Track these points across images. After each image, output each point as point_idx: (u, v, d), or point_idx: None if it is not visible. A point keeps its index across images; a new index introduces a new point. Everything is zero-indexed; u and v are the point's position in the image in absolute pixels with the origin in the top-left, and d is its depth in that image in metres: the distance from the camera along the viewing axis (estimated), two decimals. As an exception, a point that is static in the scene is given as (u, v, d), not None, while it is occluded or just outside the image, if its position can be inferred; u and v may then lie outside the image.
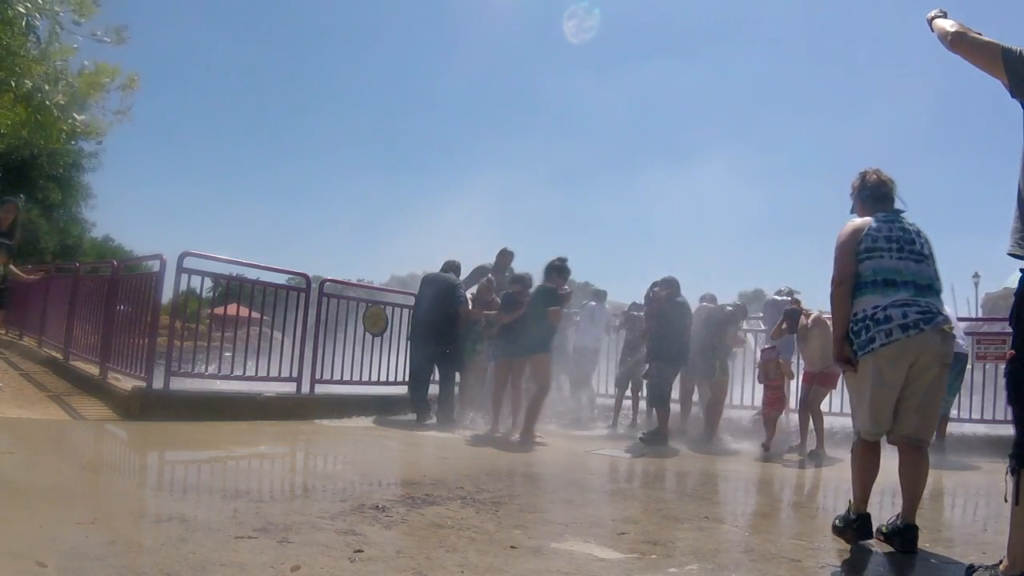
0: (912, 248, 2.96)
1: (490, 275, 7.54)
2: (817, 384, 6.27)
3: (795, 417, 6.74)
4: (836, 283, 3.00)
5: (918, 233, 3.02)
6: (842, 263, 2.99)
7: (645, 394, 7.43)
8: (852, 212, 3.22)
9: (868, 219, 3.04)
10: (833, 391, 6.41)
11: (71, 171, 25.98)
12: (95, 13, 6.81)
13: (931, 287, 2.93)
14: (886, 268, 2.89)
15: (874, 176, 3.17)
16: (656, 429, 6.45)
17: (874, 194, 3.14)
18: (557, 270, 6.46)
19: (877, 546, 2.92)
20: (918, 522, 2.86)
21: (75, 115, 7.24)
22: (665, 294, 6.81)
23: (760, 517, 3.72)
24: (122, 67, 7.38)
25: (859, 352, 2.85)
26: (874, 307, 2.84)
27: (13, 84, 6.70)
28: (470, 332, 7.25)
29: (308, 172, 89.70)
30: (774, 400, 6.52)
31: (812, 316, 6.34)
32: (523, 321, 6.32)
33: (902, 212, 3.11)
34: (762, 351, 6.93)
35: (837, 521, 3.03)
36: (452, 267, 7.46)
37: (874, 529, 2.97)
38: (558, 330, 6.67)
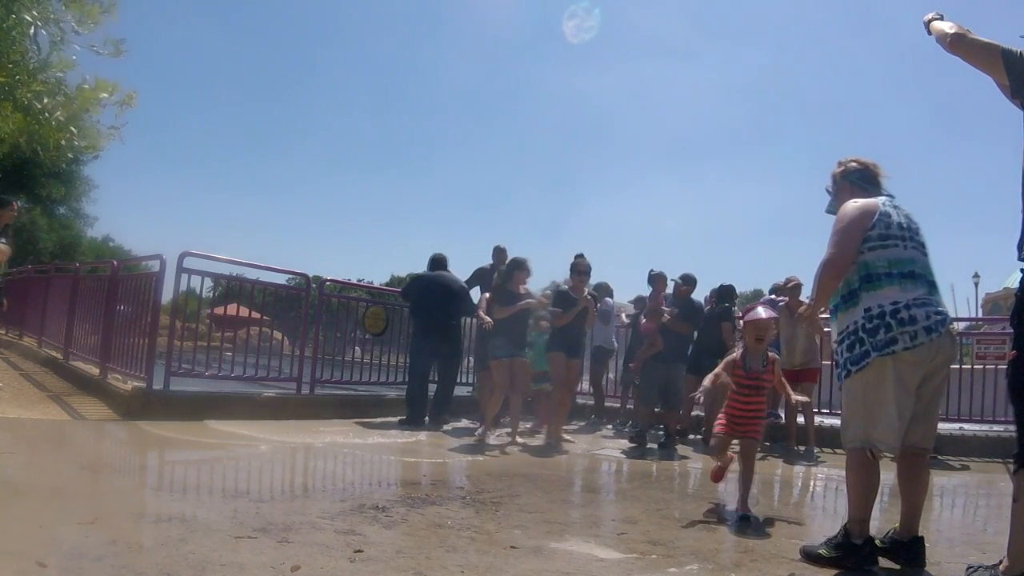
0: (916, 239, 2.67)
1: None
2: (804, 380, 6.25)
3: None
4: (830, 265, 2.64)
5: (914, 221, 2.75)
6: (844, 246, 2.62)
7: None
8: (830, 209, 2.91)
9: (877, 201, 2.71)
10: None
11: (72, 165, 25.93)
12: (101, 24, 6.80)
13: (935, 283, 2.66)
14: (903, 259, 2.59)
15: (856, 162, 2.91)
16: (642, 429, 6.38)
17: (864, 176, 2.86)
18: (571, 269, 6.31)
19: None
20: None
21: (72, 128, 7.22)
22: (687, 291, 6.75)
23: (760, 517, 3.71)
24: (123, 78, 7.40)
25: (872, 352, 2.53)
26: (894, 303, 2.52)
27: (15, 95, 6.70)
28: (484, 333, 6.96)
29: (308, 172, 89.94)
30: (754, 410, 3.69)
31: (804, 308, 6.01)
32: (521, 320, 6.16)
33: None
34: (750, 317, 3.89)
35: (823, 550, 2.62)
36: (442, 262, 6.99)
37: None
38: (569, 331, 6.35)
